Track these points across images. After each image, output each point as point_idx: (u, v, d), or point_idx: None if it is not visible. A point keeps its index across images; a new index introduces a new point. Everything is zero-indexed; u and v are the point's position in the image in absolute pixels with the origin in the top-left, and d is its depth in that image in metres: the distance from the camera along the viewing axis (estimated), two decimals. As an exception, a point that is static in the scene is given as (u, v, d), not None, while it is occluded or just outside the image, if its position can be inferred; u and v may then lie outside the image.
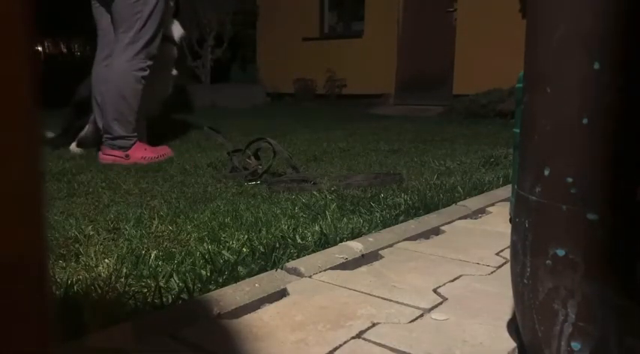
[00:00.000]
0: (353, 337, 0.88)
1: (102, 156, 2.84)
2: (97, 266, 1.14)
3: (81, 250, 1.25)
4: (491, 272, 1.22)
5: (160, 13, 2.81)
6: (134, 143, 2.85)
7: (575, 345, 0.66)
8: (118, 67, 2.78)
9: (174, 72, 3.30)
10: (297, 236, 1.35)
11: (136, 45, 2.77)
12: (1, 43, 0.25)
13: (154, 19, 2.79)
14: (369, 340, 0.87)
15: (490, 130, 4.44)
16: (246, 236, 1.34)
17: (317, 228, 1.42)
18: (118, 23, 2.79)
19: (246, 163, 2.32)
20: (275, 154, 2.22)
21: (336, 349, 0.85)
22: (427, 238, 1.51)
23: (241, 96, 7.75)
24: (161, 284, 1.04)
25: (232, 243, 1.30)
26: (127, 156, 2.82)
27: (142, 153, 2.84)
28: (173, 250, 1.26)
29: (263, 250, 1.24)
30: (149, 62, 2.83)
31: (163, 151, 2.94)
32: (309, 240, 1.34)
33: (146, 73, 2.82)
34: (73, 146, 3.16)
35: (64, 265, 1.16)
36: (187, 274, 1.09)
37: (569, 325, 0.66)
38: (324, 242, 1.34)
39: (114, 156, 2.82)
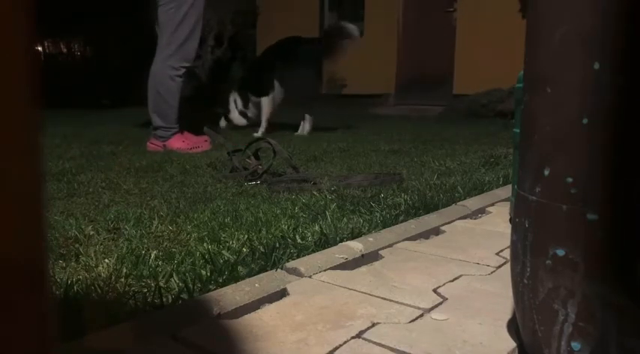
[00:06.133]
0: (353, 337, 0.88)
1: (148, 144, 3.27)
2: (97, 266, 1.14)
3: (81, 250, 1.25)
4: (492, 272, 1.22)
5: (193, 19, 3.17)
6: (173, 134, 3.24)
7: (575, 345, 0.66)
8: (155, 67, 3.20)
9: None
10: (297, 236, 1.35)
11: (169, 47, 3.17)
12: (1, 43, 0.25)
13: (186, 24, 3.15)
14: (369, 340, 0.87)
15: (490, 130, 4.44)
16: (246, 236, 1.34)
17: (317, 228, 1.42)
18: (159, 29, 3.23)
19: (246, 163, 2.32)
20: (275, 154, 2.22)
21: (336, 349, 0.85)
22: (427, 238, 1.51)
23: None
24: (161, 284, 1.04)
25: (232, 243, 1.30)
26: (164, 146, 3.22)
27: (177, 144, 3.22)
28: (173, 250, 1.26)
29: (263, 250, 1.24)
30: (184, 63, 3.21)
31: (200, 142, 3.28)
32: (309, 240, 1.34)
33: (179, 72, 3.19)
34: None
35: (64, 265, 1.16)
36: (187, 274, 1.09)
37: (569, 325, 0.66)
38: (324, 242, 1.34)
39: (154, 145, 3.24)
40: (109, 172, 2.38)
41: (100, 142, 3.46)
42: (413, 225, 1.54)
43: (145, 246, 1.28)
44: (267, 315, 0.98)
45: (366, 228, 1.46)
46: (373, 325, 0.93)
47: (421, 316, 0.98)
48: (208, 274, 1.10)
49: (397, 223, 1.55)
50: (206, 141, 3.31)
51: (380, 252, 1.34)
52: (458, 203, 1.81)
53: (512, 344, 0.87)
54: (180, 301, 1.00)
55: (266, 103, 4.37)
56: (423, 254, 1.35)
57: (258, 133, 4.03)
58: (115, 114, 6.04)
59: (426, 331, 0.91)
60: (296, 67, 4.20)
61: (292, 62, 4.22)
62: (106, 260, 1.17)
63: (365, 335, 0.89)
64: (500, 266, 1.26)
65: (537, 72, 0.69)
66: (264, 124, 4.22)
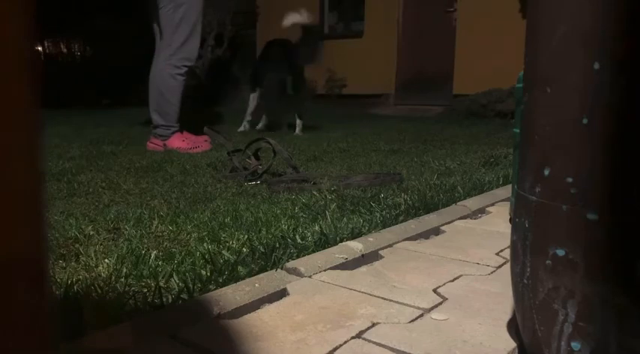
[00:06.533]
0: (353, 337, 0.88)
1: (148, 144, 3.28)
2: (97, 266, 1.14)
3: (81, 250, 1.25)
4: (491, 272, 1.22)
5: (192, 20, 3.20)
6: (173, 132, 3.24)
7: (575, 345, 0.66)
8: (156, 66, 3.22)
9: None
10: (297, 236, 1.35)
11: (170, 47, 3.16)
12: (1, 43, 0.25)
13: (185, 25, 3.18)
14: (369, 340, 0.87)
15: (490, 130, 4.45)
16: (246, 236, 1.34)
17: (317, 228, 1.42)
18: (159, 29, 3.24)
19: (246, 163, 2.33)
20: (275, 154, 2.22)
21: (336, 349, 0.85)
22: (427, 238, 1.51)
23: (241, 96, 7.77)
24: (161, 284, 1.04)
25: (232, 243, 1.30)
26: (164, 145, 3.22)
27: (177, 143, 3.22)
28: (173, 250, 1.26)
29: (263, 250, 1.24)
30: (186, 62, 3.23)
31: (199, 142, 3.29)
32: (309, 240, 1.34)
33: (181, 71, 3.21)
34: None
35: (64, 265, 1.16)
36: (187, 274, 1.09)
37: (569, 325, 0.66)
38: (324, 242, 1.34)
39: (154, 144, 3.24)
40: (109, 172, 2.38)
41: (100, 142, 3.46)
42: (413, 225, 1.54)
43: (145, 246, 1.28)
44: (267, 315, 0.98)
45: (366, 228, 1.46)
46: (373, 325, 0.93)
47: (421, 316, 0.98)
48: (208, 274, 1.10)
49: (397, 223, 1.55)
50: (206, 141, 3.31)
51: (380, 252, 1.34)
52: (458, 203, 1.81)
53: (512, 344, 0.87)
54: (180, 301, 1.00)
55: (251, 98, 4.59)
56: (423, 254, 1.35)
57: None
58: (115, 114, 6.04)
59: (426, 331, 0.91)
60: (282, 69, 4.30)
61: (280, 63, 4.30)
62: (106, 260, 1.17)
63: (365, 335, 0.89)
64: (500, 266, 1.26)
65: (537, 72, 0.69)
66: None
